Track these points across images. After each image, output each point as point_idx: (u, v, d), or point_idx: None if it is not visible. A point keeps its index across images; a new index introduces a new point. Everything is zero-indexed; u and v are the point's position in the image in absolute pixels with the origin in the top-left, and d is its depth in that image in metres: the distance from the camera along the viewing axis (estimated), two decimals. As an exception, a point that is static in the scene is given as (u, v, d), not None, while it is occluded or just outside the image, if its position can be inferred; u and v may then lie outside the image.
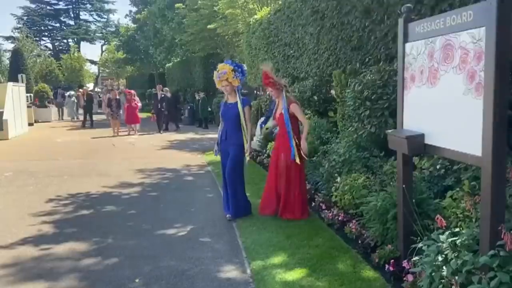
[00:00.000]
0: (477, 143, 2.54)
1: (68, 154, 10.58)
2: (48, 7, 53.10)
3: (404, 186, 3.40)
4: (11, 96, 14.31)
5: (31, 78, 23.79)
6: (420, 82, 3.19)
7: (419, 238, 3.08)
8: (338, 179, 4.92)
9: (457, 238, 2.79)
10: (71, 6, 54.41)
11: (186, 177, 7.81)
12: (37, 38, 52.33)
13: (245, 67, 5.21)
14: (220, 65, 5.12)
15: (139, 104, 16.13)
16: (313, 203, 5.50)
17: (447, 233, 2.84)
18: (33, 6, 51.80)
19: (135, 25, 32.68)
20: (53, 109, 22.41)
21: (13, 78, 20.92)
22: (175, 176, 7.87)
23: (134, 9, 34.49)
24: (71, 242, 4.44)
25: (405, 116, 3.45)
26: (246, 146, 5.05)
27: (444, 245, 2.79)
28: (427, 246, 2.92)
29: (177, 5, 20.05)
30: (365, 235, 4.02)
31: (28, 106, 19.61)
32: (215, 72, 5.12)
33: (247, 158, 5.11)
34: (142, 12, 27.83)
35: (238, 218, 5.03)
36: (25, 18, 51.52)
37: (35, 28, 52.56)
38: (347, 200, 4.75)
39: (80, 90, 24.57)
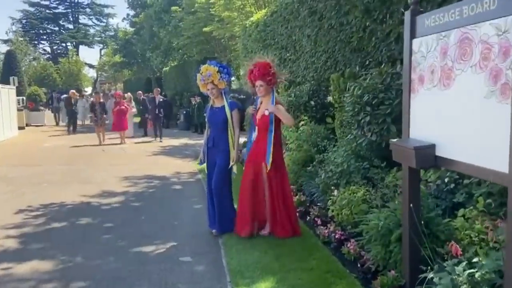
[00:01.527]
0: (503, 157, 2.08)
1: (53, 160, 10.10)
2: (47, 11, 52.90)
3: (410, 204, 2.94)
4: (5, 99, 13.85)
5: (24, 81, 23.32)
6: (431, 84, 2.74)
7: (429, 267, 2.62)
8: (335, 192, 4.46)
9: (475, 270, 2.33)
10: (70, 10, 54.22)
11: (174, 186, 7.33)
12: (36, 42, 52.11)
13: (231, 68, 4.76)
14: (203, 67, 4.62)
15: (134, 109, 15.52)
16: (308, 217, 5.03)
17: (463, 263, 2.38)
18: (32, 9, 51.53)
19: (133, 29, 32.33)
20: (47, 113, 21.94)
21: (5, 80, 20.49)
22: (163, 185, 7.39)
23: (132, 12, 34.14)
24: (35, 260, 3.96)
25: (412, 124, 2.99)
26: (233, 153, 4.59)
27: (460, 278, 2.32)
28: (439, 278, 2.46)
29: (173, 8, 19.70)
30: (365, 257, 3.55)
31: (19, 109, 19.20)
32: (198, 75, 4.64)
33: (234, 167, 4.63)
34: (139, 16, 27.45)
35: (225, 234, 4.55)
36: (23, 21, 51.22)
37: (33, 31, 52.30)
38: (344, 216, 4.29)
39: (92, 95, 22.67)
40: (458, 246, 2.63)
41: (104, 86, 53.81)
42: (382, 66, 5.01)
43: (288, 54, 9.20)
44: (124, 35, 34.63)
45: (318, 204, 5.42)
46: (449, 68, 2.53)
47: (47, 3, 52.22)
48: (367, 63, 5.92)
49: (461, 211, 3.20)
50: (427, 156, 2.68)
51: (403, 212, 3.13)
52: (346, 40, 6.44)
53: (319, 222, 4.65)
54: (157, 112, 14.28)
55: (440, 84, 2.62)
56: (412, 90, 2.95)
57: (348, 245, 3.79)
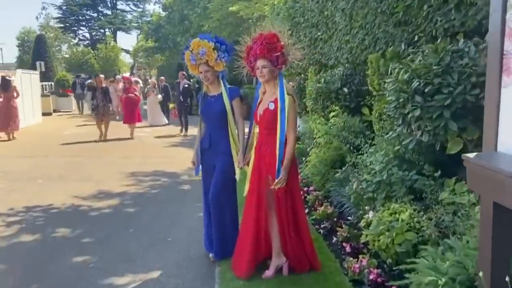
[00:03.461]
0: None
1: (62, 150, 9.42)
2: (86, -3, 53.15)
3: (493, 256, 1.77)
4: (19, 84, 13.37)
5: (53, 66, 23.13)
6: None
7: None
8: (370, 214, 3.30)
9: None
10: (108, -4, 54.32)
11: (182, 185, 6.37)
12: (75, 28, 52.78)
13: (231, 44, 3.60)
14: (194, 42, 3.48)
15: (159, 96, 14.25)
16: (334, 238, 3.91)
17: None
18: (71, -5, 51.96)
19: (165, 13, 31.61)
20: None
21: (34, 65, 20.32)
22: (170, 184, 6.45)
23: (163, -5, 33.38)
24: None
25: (503, 129, 1.80)
26: (239, 155, 3.51)
27: None
28: None
29: (201, -13, 18.65)
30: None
31: (46, 95, 18.94)
32: (187, 53, 3.52)
33: (238, 172, 3.54)
34: (169, -2, 26.64)
35: (225, 259, 3.52)
36: (64, 7, 51.85)
37: (73, 18, 52.92)
38: (383, 244, 3.14)
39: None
40: None
41: (140, 71, 54.00)
42: (438, 41, 3.76)
43: (319, 33, 7.96)
44: (158, 20, 34.01)
45: (349, 218, 4.30)
46: None
47: (87, -11, 52.56)
48: (415, 39, 4.63)
49: None
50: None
51: (479, 264, 1.97)
52: (389, 11, 5.15)
53: (348, 248, 3.52)
54: (181, 99, 12.42)
55: None
56: (507, 73, 1.75)
57: (388, 294, 2.67)
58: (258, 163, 3.22)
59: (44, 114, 16.63)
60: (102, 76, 11.96)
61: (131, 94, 11.69)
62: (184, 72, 14.33)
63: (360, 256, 3.24)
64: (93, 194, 5.75)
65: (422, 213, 3.14)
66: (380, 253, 3.23)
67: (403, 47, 4.80)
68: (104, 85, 11.53)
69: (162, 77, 17.25)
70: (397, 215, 3.23)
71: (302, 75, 9.54)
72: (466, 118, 3.16)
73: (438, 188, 3.46)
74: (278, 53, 3.04)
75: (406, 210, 3.24)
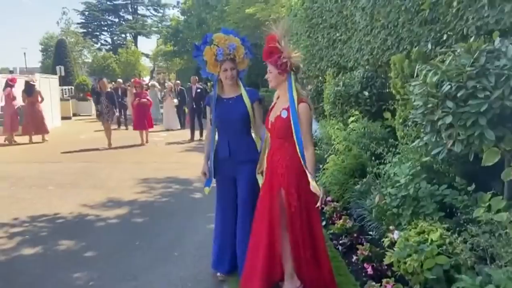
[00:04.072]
0: None
1: (76, 156, 9.28)
2: (108, 2, 54.10)
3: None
4: (38, 88, 13.42)
5: (74, 70, 23.37)
6: None
7: None
8: (395, 234, 2.96)
9: None
10: (129, 1, 55.12)
11: (193, 194, 6.11)
12: (97, 33, 53.71)
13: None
14: (218, 36, 3.15)
15: (175, 100, 13.99)
16: (354, 256, 3.57)
17: None
18: (94, 1, 52.92)
19: (184, 17, 31.73)
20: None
21: (55, 70, 20.55)
22: (181, 191, 6.21)
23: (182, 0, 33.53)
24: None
25: None
26: (261, 160, 3.15)
27: None
28: None
29: (218, -10, 18.52)
30: None
31: (65, 99, 19.11)
32: (208, 48, 3.14)
33: (260, 180, 3.11)
34: (187, 2, 26.65)
35: (232, 277, 3.22)
36: (86, 13, 52.79)
37: (95, 23, 53.86)
38: (410, 268, 2.79)
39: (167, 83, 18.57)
40: None
41: (159, 75, 54.49)
42: (471, 39, 3.39)
43: (337, 34, 7.62)
44: (177, 24, 34.15)
45: (370, 234, 3.95)
46: None
47: (108, -6, 53.52)
48: (444, 38, 4.27)
49: None
50: None
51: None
52: (414, 9, 4.80)
53: (369, 270, 3.18)
54: (194, 105, 11.73)
55: None
56: None
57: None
58: (270, 175, 2.91)
59: (63, 118, 16.73)
60: (105, 79, 11.49)
61: (143, 99, 11.16)
62: (196, 77, 13.62)
63: (384, 281, 2.89)
64: (102, 202, 5.55)
65: (455, 234, 2.77)
66: (406, 278, 2.88)
67: (429, 47, 4.44)
68: (109, 89, 11.03)
69: (178, 81, 17.13)
70: (426, 235, 2.88)
71: (320, 78, 9.20)
72: (504, 126, 2.79)
73: (471, 204, 3.10)
74: (276, 57, 2.72)
75: (436, 229, 2.88)
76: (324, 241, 3.03)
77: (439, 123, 3.07)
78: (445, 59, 3.29)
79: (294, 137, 2.68)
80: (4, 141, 11.37)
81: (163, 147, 10.72)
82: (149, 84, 12.50)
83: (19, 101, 12.00)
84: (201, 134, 11.79)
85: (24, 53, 50.33)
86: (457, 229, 2.91)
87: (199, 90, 12.12)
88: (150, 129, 11.45)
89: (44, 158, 8.98)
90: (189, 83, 13.33)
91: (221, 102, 3.24)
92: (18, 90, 12.03)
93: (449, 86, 2.97)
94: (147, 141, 11.06)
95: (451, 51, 3.38)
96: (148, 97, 11.42)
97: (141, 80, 12.25)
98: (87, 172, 7.48)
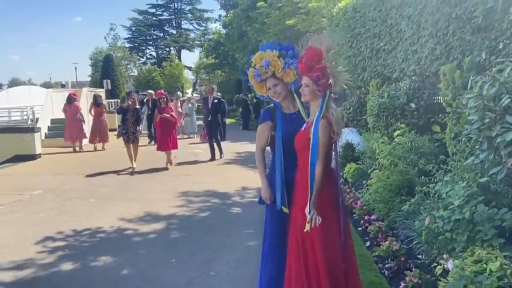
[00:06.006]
0: None
1: (117, 167, 9.39)
2: (153, 18, 56.06)
3: None
4: (85, 101, 14.00)
5: (120, 84, 24.23)
6: None
7: None
8: (449, 264, 2.68)
9: None
10: (174, 16, 56.88)
11: (232, 208, 6.01)
12: (143, 47, 55.77)
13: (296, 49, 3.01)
14: (255, 56, 2.95)
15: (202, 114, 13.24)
16: (402, 284, 3.29)
17: None
18: (140, 17, 55.04)
19: (225, 30, 32.22)
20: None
21: (102, 83, 21.41)
22: (220, 206, 6.12)
23: (224, 13, 34.08)
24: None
25: None
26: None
27: None
28: None
29: (259, 3, 18.56)
30: None
31: (111, 112, 19.75)
32: (251, 70, 2.97)
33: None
34: (228, 15, 27.04)
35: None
36: (133, 28, 54.98)
37: (142, 37, 55.97)
38: (466, 300, 2.50)
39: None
40: None
41: (201, 88, 55.46)
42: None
43: (381, 44, 7.34)
44: (219, 37, 34.73)
45: (419, 257, 3.65)
46: None
47: (153, 10, 55.37)
48: (500, 46, 3.94)
49: None
50: None
51: None
52: (466, 16, 4.49)
53: (419, 301, 2.91)
54: (210, 118, 10.27)
55: None
56: None
57: None
58: (299, 191, 2.71)
59: (110, 130, 17.27)
60: (135, 95, 10.44)
61: (166, 115, 9.19)
62: (214, 87, 13.21)
63: (436, 314, 2.62)
64: (140, 216, 5.55)
65: (517, 263, 2.47)
66: (462, 312, 2.59)
67: (483, 56, 4.12)
68: (137, 106, 9.41)
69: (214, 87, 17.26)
70: (483, 265, 2.58)
71: (363, 89, 8.91)
72: None
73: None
74: (319, 73, 2.55)
75: (496, 258, 2.58)
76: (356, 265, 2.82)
77: (498, 140, 2.79)
78: (502, 69, 3.01)
79: (310, 151, 2.52)
80: (77, 149, 12.51)
81: (202, 160, 10.55)
82: (186, 97, 12.22)
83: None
84: (221, 152, 10.58)
85: (75, 68, 53.02)
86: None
87: (216, 101, 10.57)
88: (173, 150, 9.60)
89: (89, 170, 9.17)
90: (239, 94, 12.62)
91: (286, 117, 2.96)
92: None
93: (509, 100, 2.70)
94: (170, 163, 9.50)
95: (509, 61, 3.09)
96: (172, 113, 9.43)
97: (164, 92, 10.15)
98: (126, 185, 7.60)
